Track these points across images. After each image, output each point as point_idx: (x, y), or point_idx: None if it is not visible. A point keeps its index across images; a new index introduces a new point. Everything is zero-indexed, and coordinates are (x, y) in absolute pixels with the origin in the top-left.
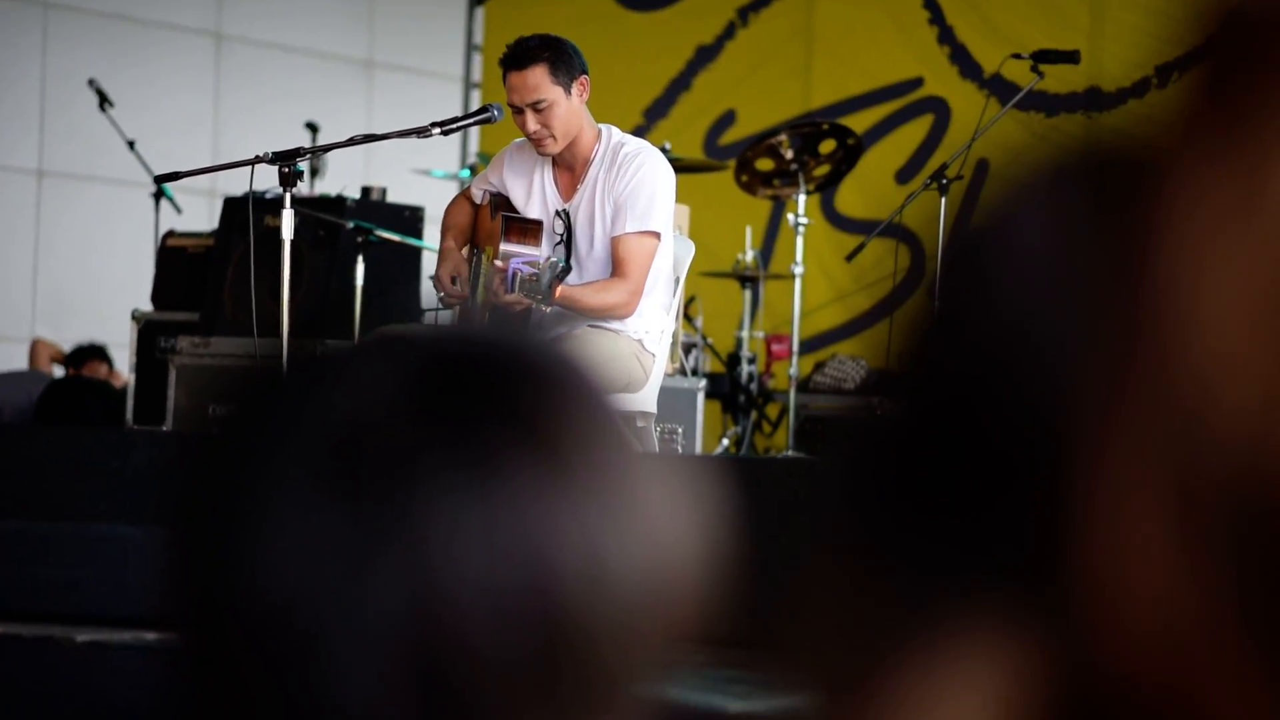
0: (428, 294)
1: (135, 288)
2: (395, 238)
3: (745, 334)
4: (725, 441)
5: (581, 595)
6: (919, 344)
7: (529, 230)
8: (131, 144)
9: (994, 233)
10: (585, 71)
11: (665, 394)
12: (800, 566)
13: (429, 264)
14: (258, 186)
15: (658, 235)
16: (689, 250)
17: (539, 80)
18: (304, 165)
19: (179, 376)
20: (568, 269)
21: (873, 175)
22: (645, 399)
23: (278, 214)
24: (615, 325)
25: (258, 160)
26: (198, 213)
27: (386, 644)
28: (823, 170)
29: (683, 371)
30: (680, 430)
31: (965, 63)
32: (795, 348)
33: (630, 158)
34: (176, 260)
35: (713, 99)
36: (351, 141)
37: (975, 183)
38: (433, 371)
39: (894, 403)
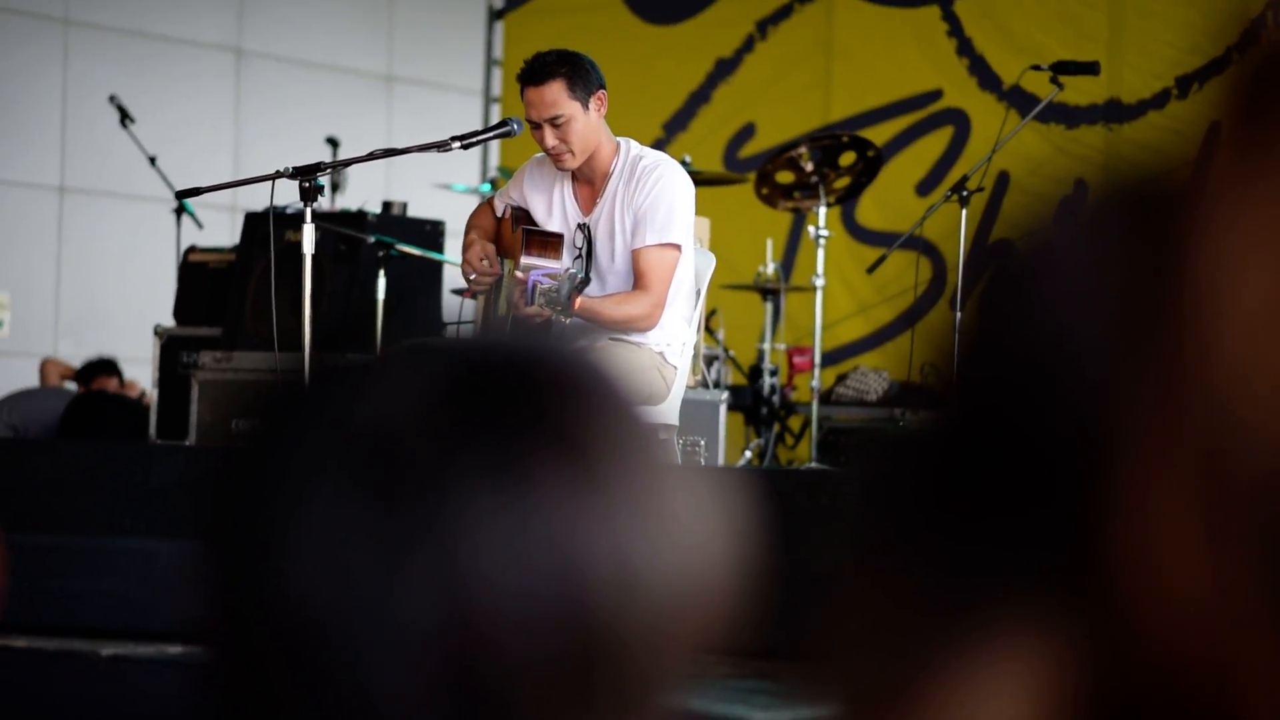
0: (449, 307)
1: (157, 303)
2: (416, 252)
3: (767, 346)
4: (748, 454)
5: (613, 602)
6: (958, 352)
7: (550, 243)
8: (153, 160)
9: (1033, 244)
10: (603, 86)
11: (687, 406)
12: (833, 576)
13: (450, 278)
14: (279, 201)
15: (678, 247)
16: (710, 263)
17: (556, 96)
18: (325, 180)
19: (201, 391)
20: (586, 280)
21: (893, 187)
22: (667, 411)
23: (299, 229)
24: (636, 338)
25: (278, 175)
26: (219, 228)
27: (418, 653)
28: (843, 182)
29: (704, 384)
30: (703, 442)
31: (984, 74)
32: (817, 360)
33: (649, 170)
34: (198, 275)
35: (732, 112)
36: (372, 156)
37: (996, 194)
38: (462, 379)
39: (928, 411)
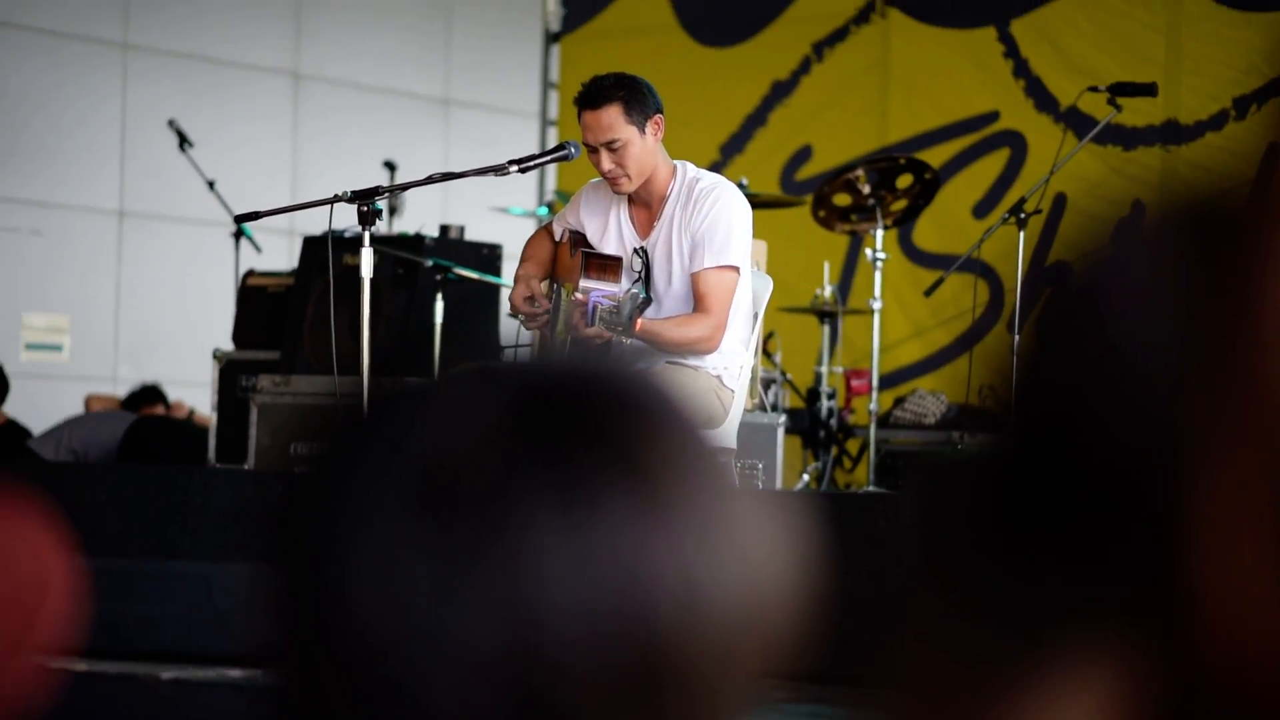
0: (507, 331)
1: (216, 327)
2: (474, 275)
3: (824, 369)
4: (806, 477)
5: (678, 623)
6: (1018, 372)
7: (608, 266)
8: (211, 184)
9: (1096, 263)
10: (660, 110)
11: (745, 430)
12: (897, 603)
13: (508, 302)
14: (336, 225)
15: (737, 269)
16: (767, 286)
17: (613, 120)
18: (382, 204)
19: (260, 415)
20: (648, 300)
21: (950, 209)
22: (725, 435)
23: (357, 252)
24: (694, 361)
25: (336, 199)
26: (277, 252)
27: (482, 675)
28: (900, 205)
29: (762, 407)
30: (760, 466)
31: (1041, 96)
32: (875, 383)
33: (706, 193)
34: (257, 299)
35: (789, 134)
36: (430, 180)
37: (1053, 216)
38: (525, 402)
39: (987, 434)
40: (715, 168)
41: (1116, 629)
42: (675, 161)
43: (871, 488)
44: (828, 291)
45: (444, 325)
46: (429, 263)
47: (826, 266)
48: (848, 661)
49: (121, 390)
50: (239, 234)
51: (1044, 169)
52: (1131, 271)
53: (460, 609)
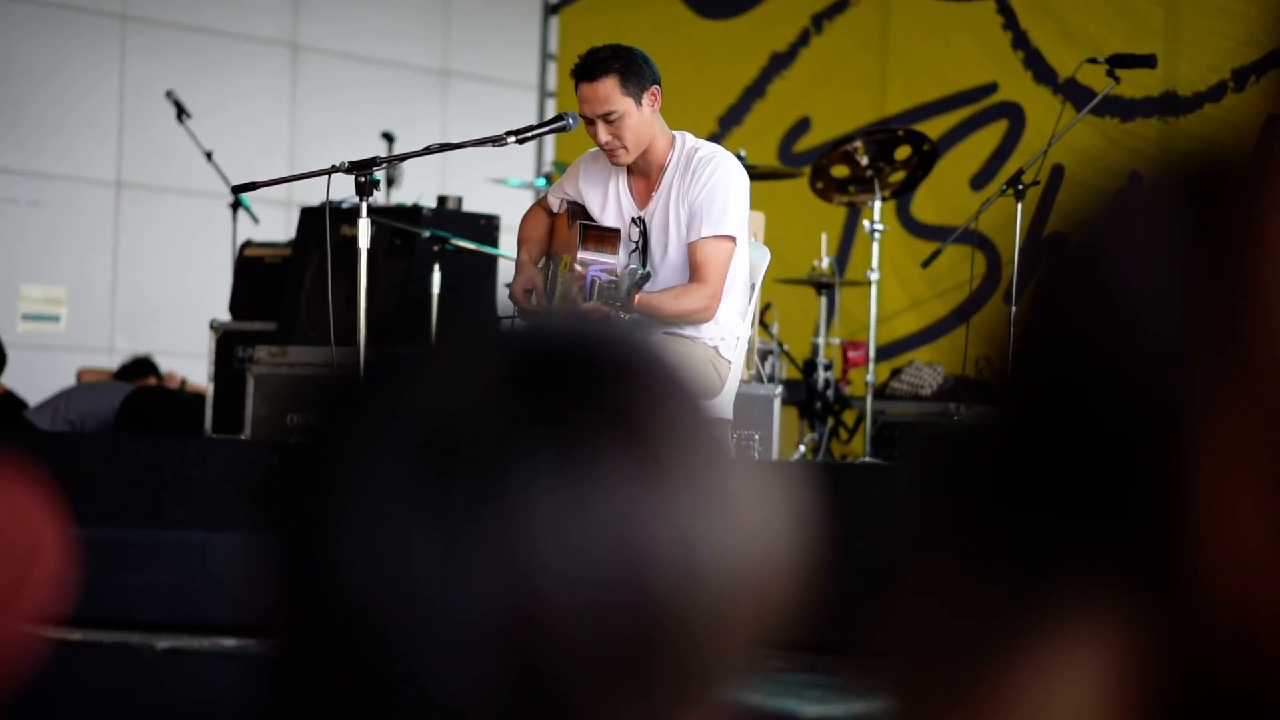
0: (504, 302)
1: (213, 298)
2: (471, 246)
3: (821, 341)
4: (802, 448)
5: (675, 588)
6: (1016, 342)
7: (606, 238)
8: (209, 155)
9: (1096, 228)
10: (657, 81)
11: (742, 401)
12: (893, 571)
13: (505, 272)
14: (334, 196)
15: (734, 239)
16: (764, 257)
17: (609, 92)
18: (380, 174)
19: (257, 386)
20: (647, 276)
21: (948, 181)
22: (721, 406)
23: (354, 223)
24: (691, 332)
25: (334, 170)
26: (275, 223)
27: (478, 639)
28: (898, 176)
29: (759, 378)
30: (757, 437)
31: (1039, 67)
32: (872, 354)
33: (705, 162)
34: (254, 270)
35: (787, 106)
36: (427, 150)
37: (1050, 188)
38: (523, 364)
39: (984, 405)
40: (714, 140)
41: (1117, 589)
42: (674, 132)
43: (868, 459)
44: (825, 263)
45: (441, 296)
46: (426, 233)
47: (824, 238)
48: (845, 631)
49: (117, 361)
50: (236, 205)
51: (1042, 140)
52: (1130, 232)
53: (457, 573)
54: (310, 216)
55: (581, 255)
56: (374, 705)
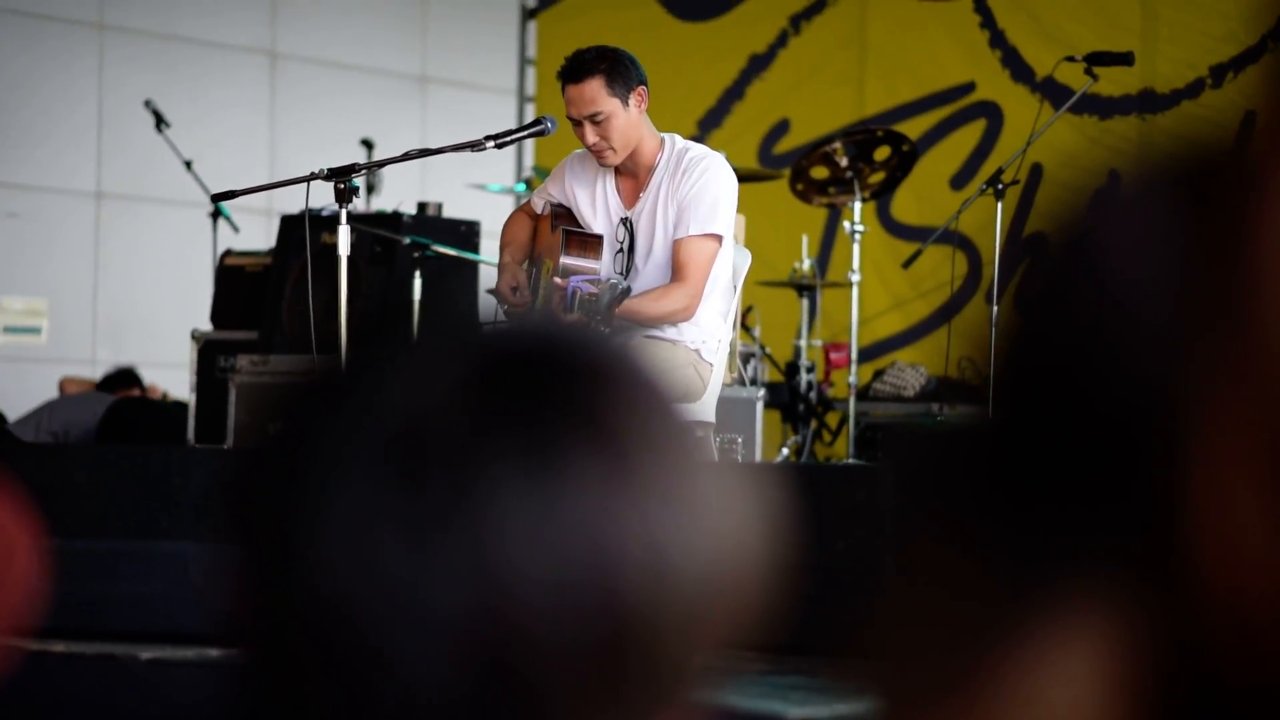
0: (485, 308)
1: (194, 307)
2: (452, 252)
3: (803, 343)
4: (785, 451)
5: (643, 589)
6: (1014, 333)
7: (589, 244)
8: (189, 164)
9: (1091, 227)
10: (643, 82)
11: (724, 404)
12: (881, 570)
13: (486, 278)
14: (314, 204)
15: (719, 239)
16: (746, 259)
17: (596, 93)
18: (359, 181)
19: (239, 395)
20: (628, 290)
21: (928, 181)
22: (704, 409)
23: (334, 231)
24: (672, 335)
25: (313, 177)
26: (255, 231)
27: (449, 640)
28: (878, 177)
29: (741, 381)
30: (740, 440)
31: (1017, 66)
32: (854, 356)
33: (695, 162)
34: (235, 279)
35: (766, 108)
36: (406, 156)
37: (1030, 187)
38: (495, 365)
39: (967, 405)
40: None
41: (1114, 580)
42: (663, 134)
43: (851, 460)
44: (806, 265)
45: (422, 302)
46: (406, 240)
47: (805, 240)
48: (829, 631)
49: (99, 372)
50: (217, 214)
51: (1021, 140)
52: (1121, 226)
53: (428, 574)
54: (290, 224)
55: (564, 260)
56: (349, 707)
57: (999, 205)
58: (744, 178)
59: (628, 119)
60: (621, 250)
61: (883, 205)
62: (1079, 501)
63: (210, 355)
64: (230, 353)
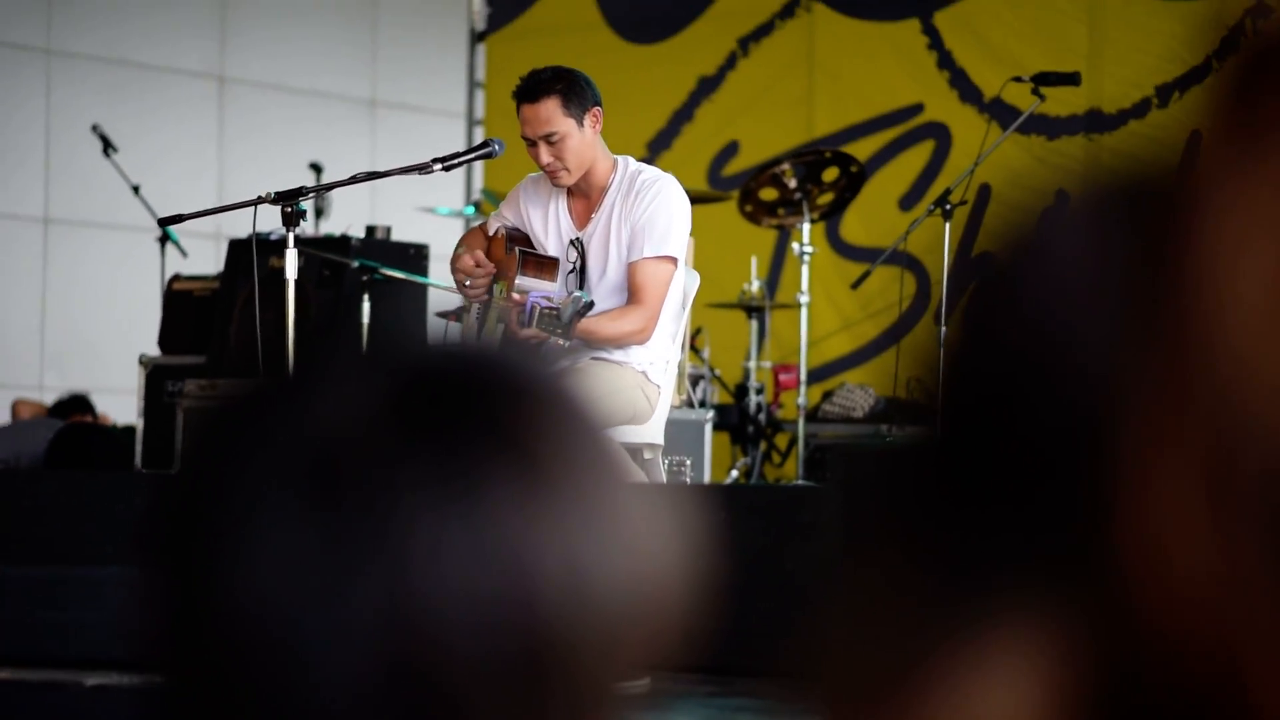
0: (434, 331)
1: (142, 332)
2: (400, 276)
3: (753, 364)
4: (734, 473)
5: (563, 607)
6: (955, 348)
7: (545, 265)
8: (136, 189)
9: (1027, 239)
10: (598, 103)
11: (673, 426)
12: (823, 581)
13: (435, 301)
14: (263, 228)
15: (674, 261)
16: (695, 281)
17: (551, 113)
18: (307, 205)
19: (186, 420)
20: (590, 304)
21: (876, 202)
22: (652, 431)
23: (282, 255)
24: (619, 357)
25: (260, 201)
26: (204, 256)
27: (369, 663)
28: (826, 198)
29: (690, 403)
30: (689, 462)
31: (965, 87)
32: (803, 377)
33: (648, 184)
34: (183, 304)
35: (716, 129)
36: (353, 179)
37: (978, 207)
38: (413, 385)
39: (915, 426)
40: None
41: (1048, 589)
42: (616, 156)
43: (801, 481)
44: (755, 286)
45: (371, 326)
46: (355, 264)
47: (754, 261)
48: (776, 652)
49: (49, 398)
50: (164, 238)
51: (969, 160)
52: (1062, 245)
53: (345, 597)
54: (238, 249)
55: (519, 281)
56: None
57: (947, 225)
58: (693, 199)
59: (582, 139)
60: (574, 270)
61: (832, 226)
62: (1016, 511)
63: (158, 380)
64: (178, 377)
